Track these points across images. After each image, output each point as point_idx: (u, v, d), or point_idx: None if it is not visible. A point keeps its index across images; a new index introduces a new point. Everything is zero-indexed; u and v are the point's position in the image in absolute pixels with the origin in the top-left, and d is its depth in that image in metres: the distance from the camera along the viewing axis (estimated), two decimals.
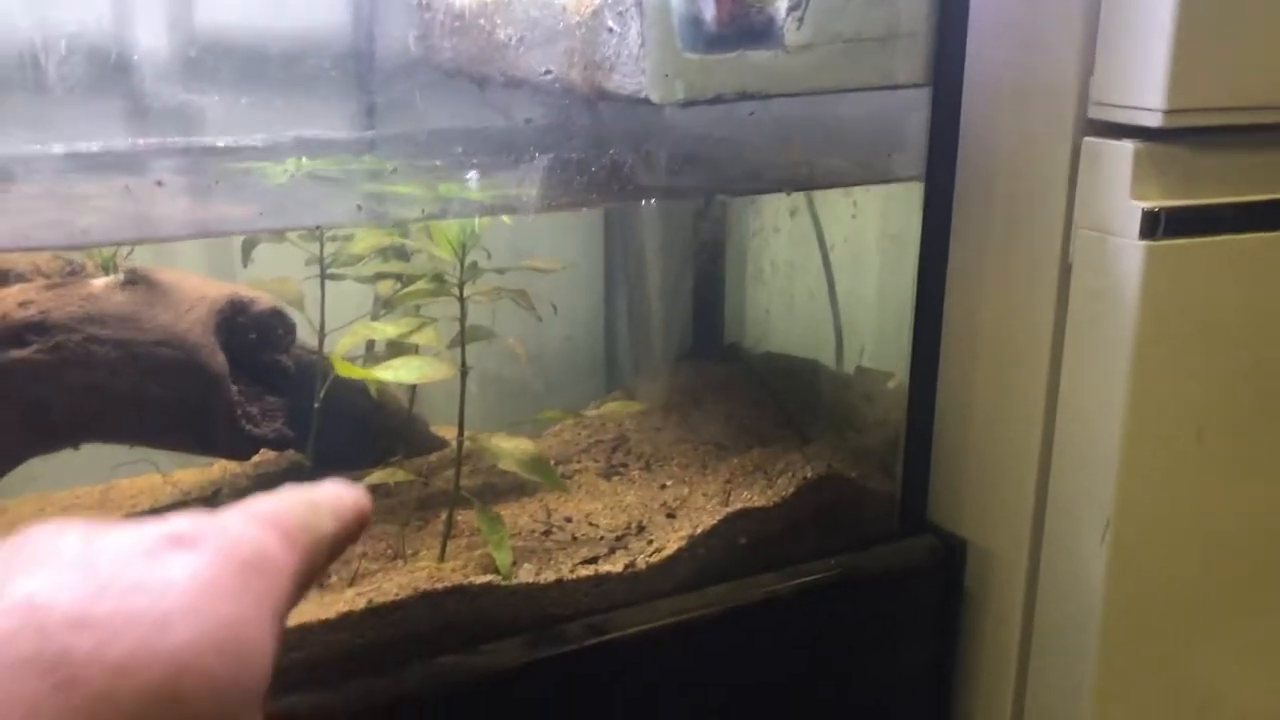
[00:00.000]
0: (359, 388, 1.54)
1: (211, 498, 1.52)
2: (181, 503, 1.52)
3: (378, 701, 1.17)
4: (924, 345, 1.43)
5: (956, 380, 1.45)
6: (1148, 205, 1.23)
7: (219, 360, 1.19)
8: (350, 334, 1.24)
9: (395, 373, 1.19)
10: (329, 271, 1.47)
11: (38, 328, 1.12)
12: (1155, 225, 1.24)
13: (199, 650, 0.39)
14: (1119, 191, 1.25)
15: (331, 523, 0.50)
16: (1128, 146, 1.23)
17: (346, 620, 1.18)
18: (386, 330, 1.23)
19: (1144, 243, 1.24)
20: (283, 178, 1.23)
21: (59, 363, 1.12)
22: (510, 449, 1.26)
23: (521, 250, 1.49)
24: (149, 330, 1.16)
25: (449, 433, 1.69)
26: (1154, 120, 1.20)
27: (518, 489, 1.52)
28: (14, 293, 1.14)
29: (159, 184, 1.03)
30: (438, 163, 1.28)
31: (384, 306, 1.38)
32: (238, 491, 1.56)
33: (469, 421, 1.33)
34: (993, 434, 1.43)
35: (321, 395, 1.38)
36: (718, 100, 1.22)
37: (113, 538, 0.42)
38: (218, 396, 1.19)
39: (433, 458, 1.60)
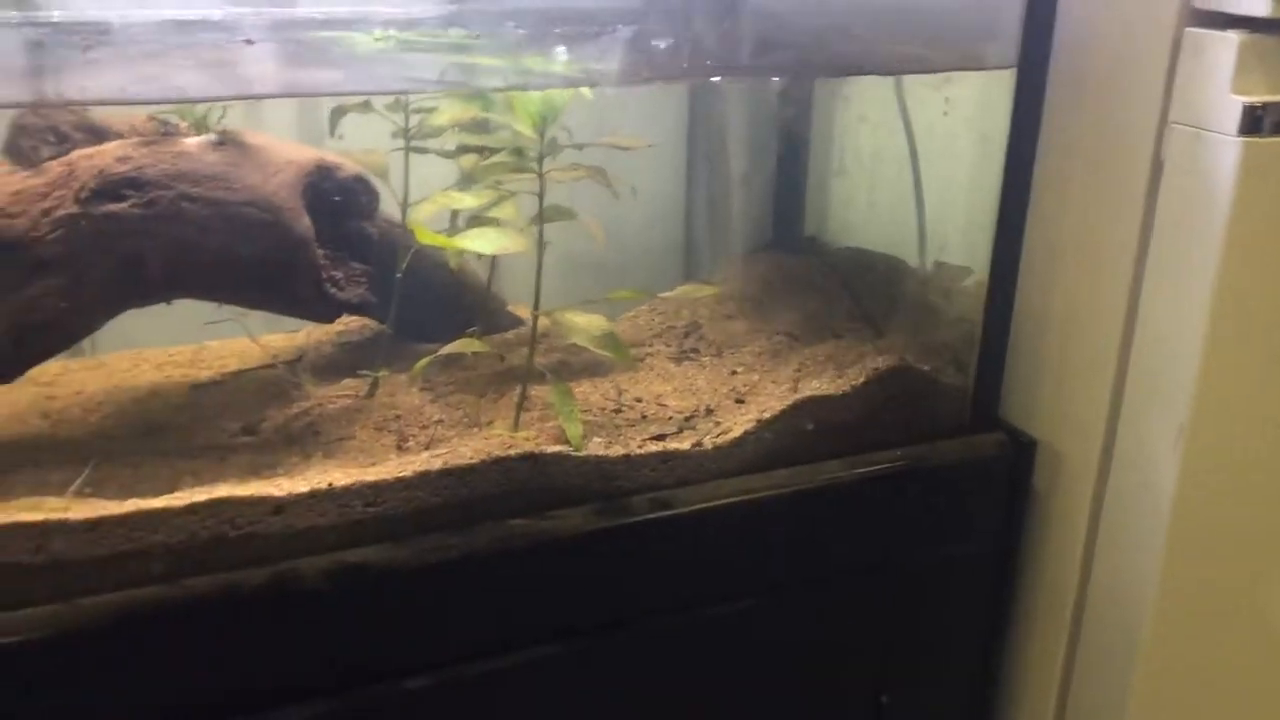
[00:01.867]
0: (439, 261, 1.57)
1: (296, 361, 1.58)
2: (268, 366, 1.58)
3: (449, 556, 1.22)
4: (1006, 240, 1.41)
5: (1037, 277, 1.43)
6: (1250, 100, 1.19)
7: (304, 223, 1.22)
8: (429, 202, 1.26)
9: (472, 242, 1.21)
10: (413, 144, 1.49)
11: (133, 183, 1.16)
12: (1257, 122, 1.20)
13: None
14: (1220, 85, 1.20)
15: None
16: (1232, 37, 1.18)
17: (423, 479, 1.23)
18: (464, 200, 1.25)
19: (1243, 139, 1.19)
20: (371, 47, 1.24)
21: (153, 218, 1.17)
22: (584, 324, 1.28)
23: (604, 130, 1.49)
24: (238, 190, 1.19)
25: (525, 312, 1.73)
26: (1261, 8, 1.14)
27: (590, 368, 1.55)
28: (112, 148, 1.18)
29: (249, 42, 1.04)
30: (521, 32, 1.28)
31: (465, 180, 1.39)
32: (322, 357, 1.61)
33: (546, 299, 1.35)
34: (1071, 332, 1.41)
35: (403, 266, 1.41)
36: None
37: None
38: (302, 258, 1.22)
39: (509, 335, 1.64)
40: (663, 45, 1.17)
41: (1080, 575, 1.47)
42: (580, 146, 1.28)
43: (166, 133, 1.29)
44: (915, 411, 1.45)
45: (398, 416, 1.41)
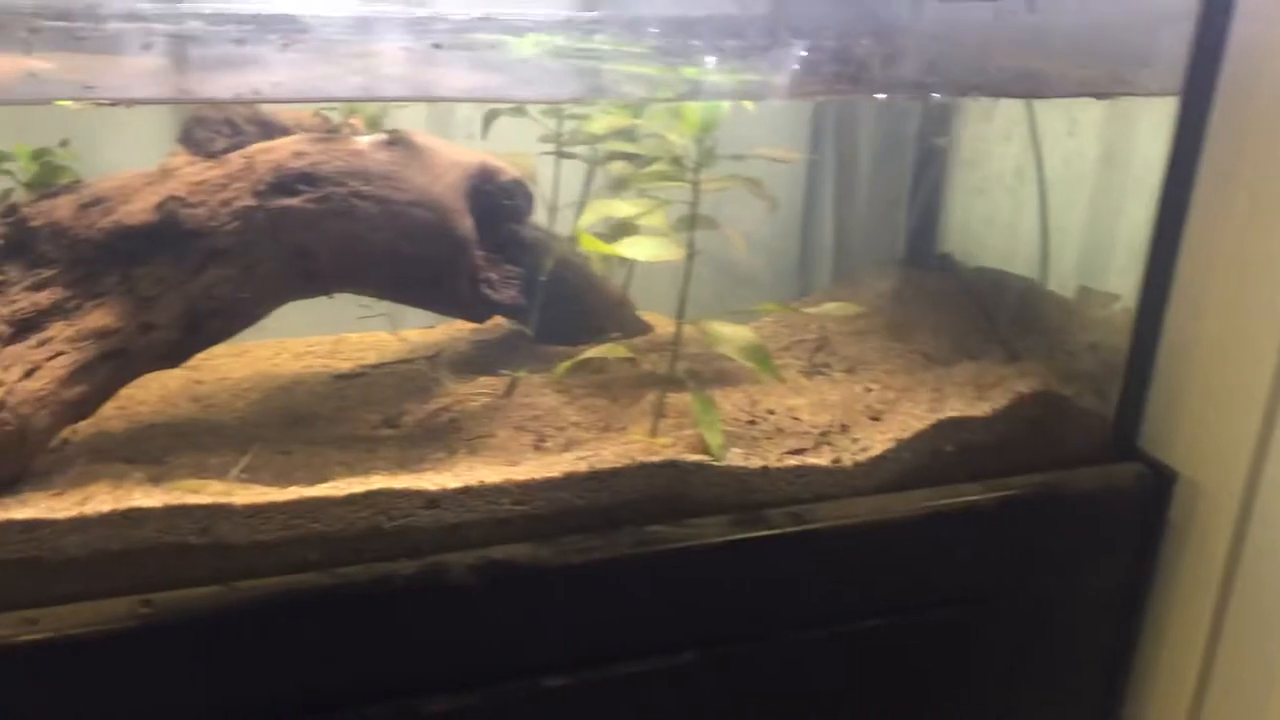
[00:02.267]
0: (575, 265, 1.59)
1: (434, 357, 1.61)
2: (406, 360, 1.61)
3: (591, 558, 1.23)
4: (1158, 267, 1.38)
5: (1187, 305, 1.41)
6: None
7: (467, 225, 1.24)
8: (590, 210, 1.27)
9: (630, 250, 1.22)
10: (559, 149, 1.51)
11: (308, 178, 1.19)
12: None
13: None
14: None
15: None
16: None
17: (569, 481, 1.24)
18: (625, 208, 1.27)
19: None
20: (530, 51, 1.26)
21: (324, 213, 1.19)
22: (730, 335, 1.28)
23: (733, 140, 1.50)
24: (406, 190, 1.22)
25: (652, 318, 1.74)
26: None
27: (721, 378, 1.55)
28: (289, 143, 1.21)
29: (437, 46, 1.07)
30: (668, 45, 1.29)
31: (615, 187, 1.41)
32: (457, 354, 1.64)
33: (665, 306, 1.35)
34: (1219, 363, 1.39)
35: (547, 270, 1.43)
36: None
37: None
38: (463, 259, 1.24)
39: (637, 340, 1.65)
40: (830, 61, 1.16)
41: (1214, 613, 1.44)
42: (739, 157, 1.29)
43: (331, 129, 1.33)
44: (1054, 438, 1.43)
45: (536, 417, 1.42)
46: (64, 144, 1.18)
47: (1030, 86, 1.35)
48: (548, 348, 1.58)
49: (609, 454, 1.29)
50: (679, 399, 1.42)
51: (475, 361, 1.60)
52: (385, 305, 1.46)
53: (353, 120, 1.27)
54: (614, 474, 1.27)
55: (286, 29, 1.04)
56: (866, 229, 1.86)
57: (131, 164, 1.30)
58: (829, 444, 1.39)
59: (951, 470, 1.39)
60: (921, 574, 1.38)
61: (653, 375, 1.53)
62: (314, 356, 1.62)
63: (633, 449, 1.30)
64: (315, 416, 1.43)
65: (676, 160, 1.27)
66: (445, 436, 1.38)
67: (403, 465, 1.30)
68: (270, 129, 1.30)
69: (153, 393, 1.42)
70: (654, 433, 1.36)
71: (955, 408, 1.40)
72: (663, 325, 1.71)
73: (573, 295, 1.57)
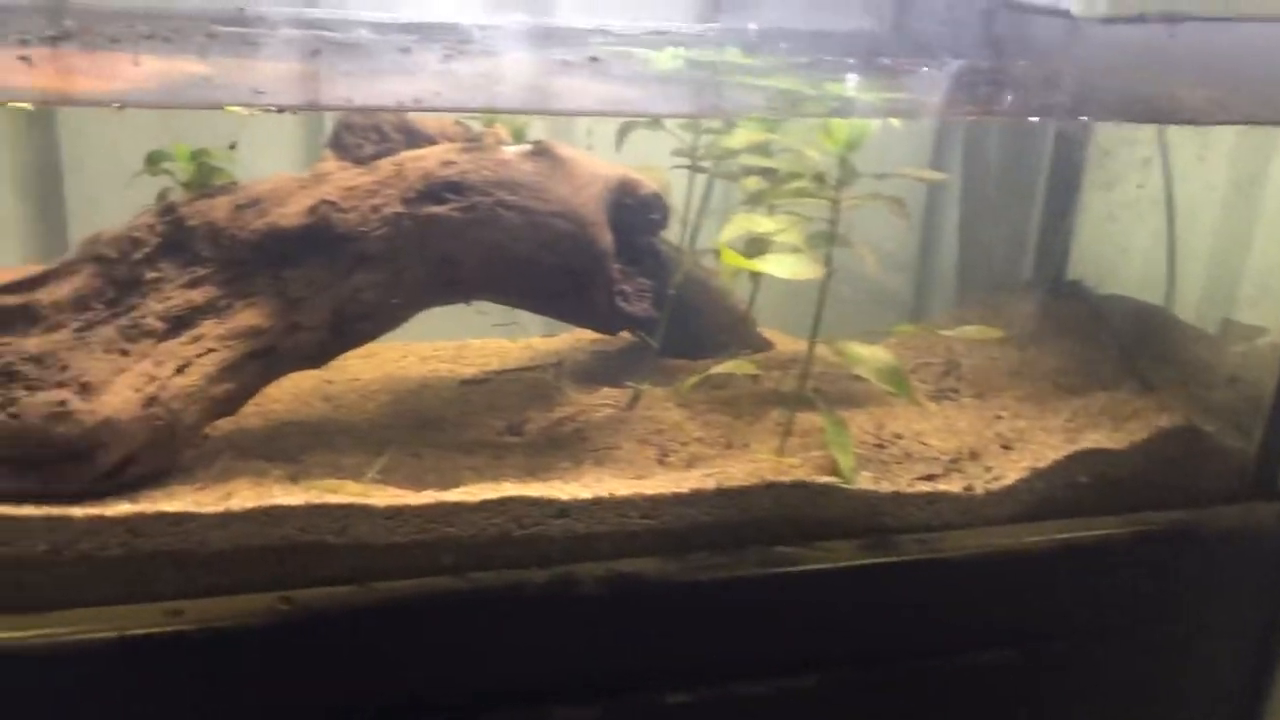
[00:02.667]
0: (699, 279, 1.59)
1: (555, 366, 1.61)
2: (529, 368, 1.62)
3: (718, 575, 1.22)
4: None
5: None
6: None
7: (607, 238, 1.24)
8: (731, 225, 1.27)
9: (772, 266, 1.21)
10: (689, 163, 1.51)
11: (456, 187, 1.20)
12: None
13: None
14: None
15: None
16: None
17: (697, 497, 1.24)
18: (766, 224, 1.26)
19: None
20: (670, 65, 1.26)
21: (470, 222, 1.20)
22: (868, 356, 1.27)
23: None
24: (549, 201, 1.22)
25: (772, 335, 1.73)
26: None
27: (847, 398, 1.54)
28: (438, 152, 1.23)
29: (594, 59, 1.07)
30: (804, 60, 1.28)
31: (750, 202, 1.40)
32: (577, 364, 1.64)
33: (796, 326, 1.33)
34: None
35: (675, 284, 1.43)
36: (1139, 20, 1.16)
37: None
38: (602, 272, 1.25)
39: (758, 357, 1.64)
40: (986, 82, 1.15)
41: None
42: (882, 176, 1.27)
43: (473, 138, 1.34)
44: (1193, 473, 1.39)
45: (659, 431, 1.42)
46: (232, 146, 1.21)
47: (1186, 113, 1.31)
48: (667, 361, 1.57)
49: (738, 472, 1.28)
50: (805, 418, 1.41)
51: (595, 372, 1.60)
52: (501, 312, 1.47)
53: (495, 130, 1.28)
54: (742, 492, 1.26)
55: (450, 39, 1.05)
56: (992, 252, 1.82)
57: (276, 167, 1.33)
58: (959, 471, 1.36)
59: (1086, 502, 1.35)
60: (1052, 607, 1.35)
61: (776, 393, 1.52)
62: (439, 361, 1.64)
63: (761, 468, 1.29)
64: (442, 420, 1.44)
65: (819, 177, 1.26)
66: (570, 446, 1.39)
67: (531, 473, 1.31)
68: (415, 137, 1.32)
69: (286, 392, 1.45)
70: (781, 452, 1.35)
71: (1091, 439, 1.37)
72: (783, 343, 1.70)
73: (696, 309, 1.57)
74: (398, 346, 1.65)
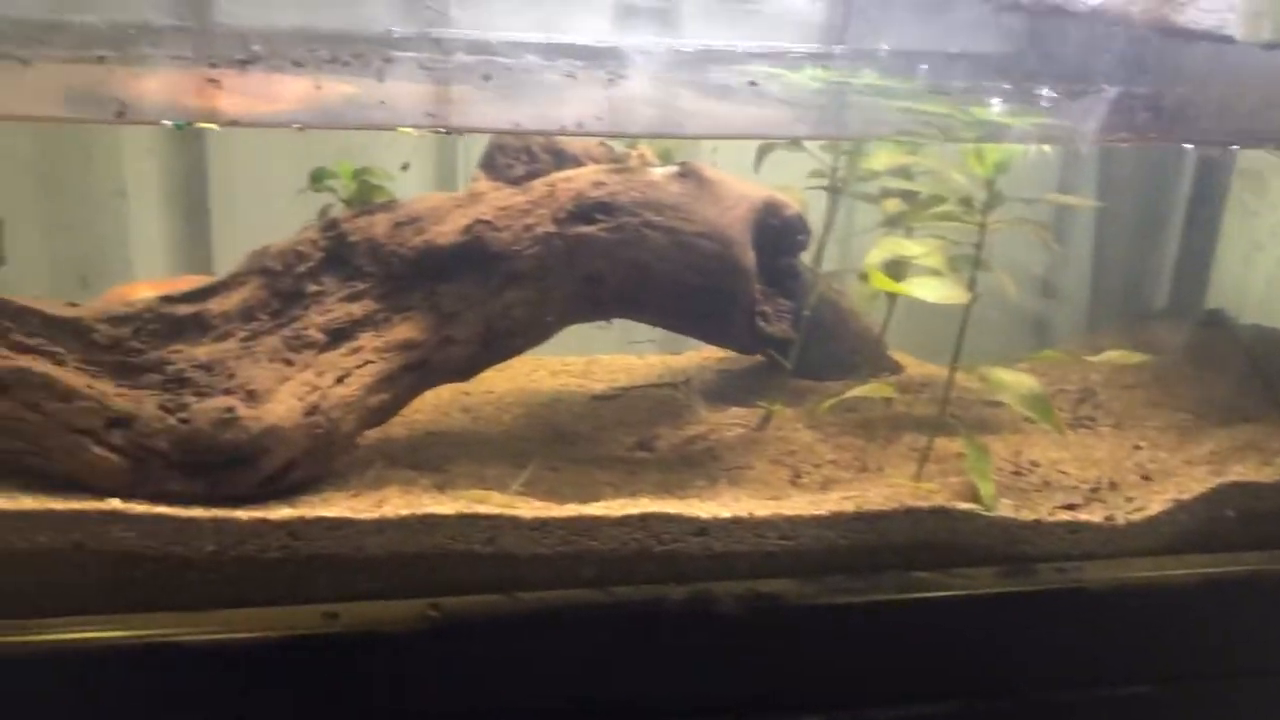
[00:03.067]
0: (832, 300, 1.59)
1: (684, 384, 1.63)
2: (655, 385, 1.64)
3: (855, 600, 1.22)
4: None
5: None
6: None
7: (750, 258, 1.26)
8: (878, 247, 1.27)
9: (920, 289, 1.21)
10: (823, 185, 1.52)
11: (605, 208, 1.23)
12: None
13: None
14: None
15: None
16: None
17: (836, 520, 1.24)
18: (912, 248, 1.26)
19: None
20: (813, 85, 1.27)
21: (618, 242, 1.23)
22: (1012, 383, 1.26)
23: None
24: (695, 222, 1.24)
25: (901, 358, 1.72)
26: None
27: (982, 424, 1.53)
28: (588, 173, 1.25)
29: (753, 84, 1.09)
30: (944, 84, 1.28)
31: (888, 224, 1.40)
32: (704, 383, 1.66)
33: (921, 349, 1.33)
34: None
35: (808, 305, 1.44)
36: None
37: None
38: (744, 292, 1.26)
39: (892, 381, 1.64)
40: (1144, 108, 1.13)
41: None
42: (1031, 201, 1.26)
43: (616, 159, 1.37)
44: None
45: (792, 452, 1.43)
46: (404, 167, 1.26)
47: None
48: (795, 381, 1.58)
49: (876, 496, 1.28)
50: (940, 444, 1.40)
51: (723, 391, 1.62)
52: (621, 328, 1.49)
53: (641, 151, 1.31)
54: (881, 517, 1.25)
55: (613, 63, 1.08)
56: (1126, 279, 1.79)
57: (415, 186, 1.37)
58: (1100, 501, 1.34)
59: (1232, 536, 1.32)
60: (1193, 642, 1.32)
61: (909, 417, 1.51)
62: (569, 375, 1.67)
63: (900, 492, 1.29)
64: (575, 434, 1.47)
65: (966, 200, 1.26)
66: (704, 465, 1.40)
67: (666, 490, 1.32)
68: (562, 158, 1.35)
69: (427, 403, 1.49)
70: (919, 477, 1.35)
71: (1237, 471, 1.34)
72: (912, 366, 1.69)
73: (827, 331, 1.57)
74: (529, 360, 1.68)
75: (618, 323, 1.45)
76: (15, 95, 1.09)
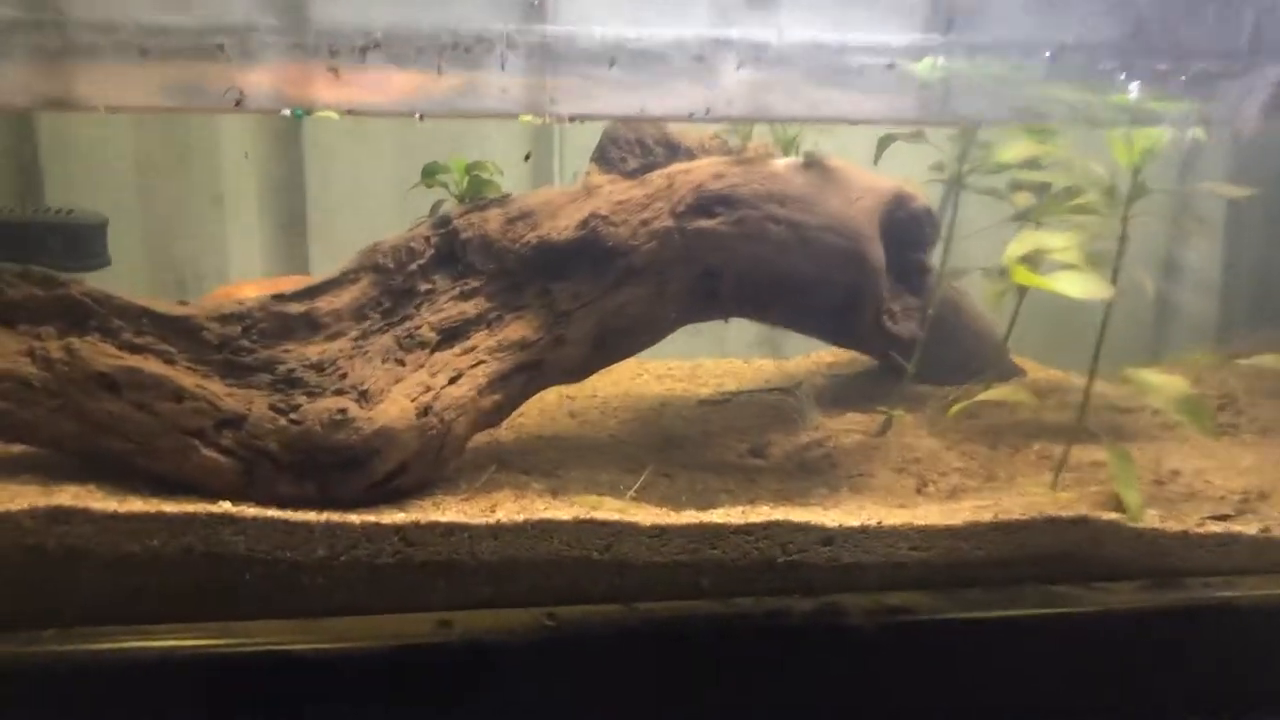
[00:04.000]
0: (952, 300, 1.52)
1: (795, 388, 1.57)
2: (763, 389, 1.58)
3: (991, 614, 1.15)
4: None
5: None
6: None
7: (879, 253, 1.19)
8: (1018, 240, 1.20)
9: (1064, 285, 1.13)
10: (942, 178, 1.45)
11: (726, 200, 1.18)
12: None
13: None
14: None
15: None
16: None
17: (971, 530, 1.17)
18: (1054, 240, 1.18)
19: None
20: (931, 74, 1.21)
21: (738, 236, 1.17)
22: (1162, 385, 1.17)
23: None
24: (819, 215, 1.18)
25: (1020, 361, 1.64)
26: None
27: (1114, 431, 1.44)
28: (708, 165, 1.20)
29: (890, 66, 1.03)
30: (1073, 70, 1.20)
31: (1016, 218, 1.33)
32: (814, 387, 1.60)
33: (1039, 352, 1.25)
34: None
35: (932, 304, 1.37)
36: None
37: None
38: (872, 288, 1.20)
39: (1018, 384, 1.56)
40: None
41: None
42: (1180, 192, 1.18)
43: (728, 150, 1.31)
44: None
45: (915, 459, 1.36)
46: (528, 158, 1.22)
47: None
48: (912, 385, 1.51)
49: (1013, 505, 1.20)
50: (1079, 451, 1.32)
51: (836, 395, 1.55)
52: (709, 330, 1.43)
53: (760, 142, 1.25)
54: (1020, 527, 1.18)
55: (726, 53, 1.03)
56: (1260, 277, 1.69)
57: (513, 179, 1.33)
58: (1251, 512, 1.25)
59: None
60: None
61: (1035, 423, 1.43)
62: (674, 379, 1.62)
63: (1039, 502, 1.21)
64: (685, 439, 1.42)
65: (1110, 191, 1.18)
66: (823, 472, 1.34)
67: (786, 498, 1.26)
68: (676, 150, 1.30)
69: (532, 406, 1.44)
70: (1055, 486, 1.27)
71: None
72: (1033, 369, 1.61)
73: (947, 332, 1.50)
74: (632, 364, 1.64)
75: (715, 325, 1.40)
76: (128, 87, 1.07)
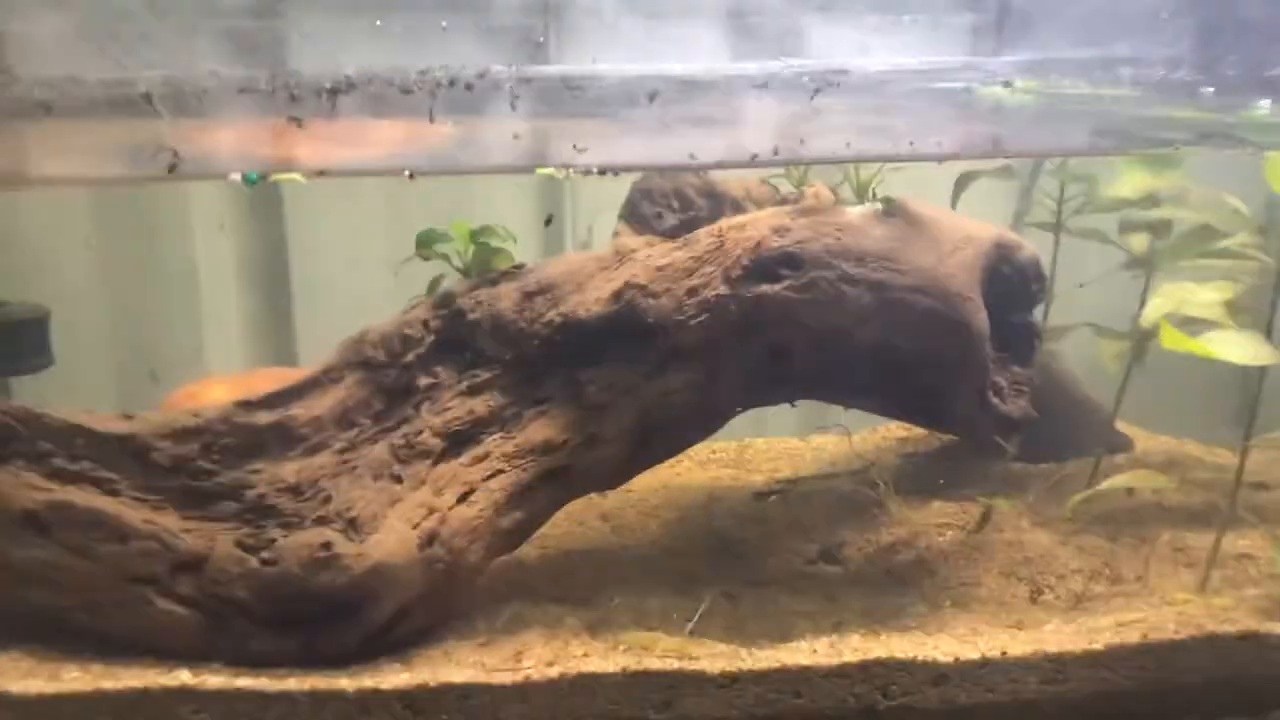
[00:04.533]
0: (1047, 365, 1.29)
1: (862, 472, 1.33)
2: (826, 475, 1.35)
3: None
4: None
5: None
6: None
7: (981, 318, 0.97)
8: (1160, 295, 0.97)
9: (1221, 348, 0.91)
10: (1032, 221, 1.23)
11: (791, 260, 0.95)
12: None
13: None
14: None
15: None
16: None
17: (1114, 654, 0.93)
18: (1202, 294, 0.96)
19: None
20: (1012, 99, 1.00)
21: (808, 302, 0.95)
22: None
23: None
24: (905, 273, 0.96)
25: (1126, 429, 1.41)
26: None
27: (1259, 514, 1.21)
28: (767, 218, 0.98)
29: (1007, 82, 0.81)
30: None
31: (1130, 265, 1.11)
32: (886, 469, 1.36)
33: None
34: None
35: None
36: None
37: None
38: (974, 360, 0.97)
39: (1119, 458, 1.33)
40: None
41: None
42: None
43: (783, 200, 1.10)
44: None
45: (1025, 560, 1.13)
46: (549, 221, 1.00)
47: None
48: (1001, 464, 1.28)
49: (1164, 619, 0.97)
50: (1202, 539, 1.10)
51: (914, 478, 1.32)
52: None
53: (818, 188, 1.03)
54: (1173, 648, 0.95)
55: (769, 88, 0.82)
56: None
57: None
58: None
59: None
60: None
61: (1157, 506, 1.20)
62: (719, 465, 1.39)
63: (1193, 613, 0.98)
64: (742, 544, 1.19)
65: (1262, 230, 0.96)
66: (916, 582, 1.11)
67: (877, 620, 1.03)
68: (719, 201, 1.09)
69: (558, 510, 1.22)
70: (1203, 589, 1.04)
71: None
72: (1141, 439, 1.38)
73: (1043, 400, 1.27)
74: None
75: None
76: (56, 154, 0.86)
